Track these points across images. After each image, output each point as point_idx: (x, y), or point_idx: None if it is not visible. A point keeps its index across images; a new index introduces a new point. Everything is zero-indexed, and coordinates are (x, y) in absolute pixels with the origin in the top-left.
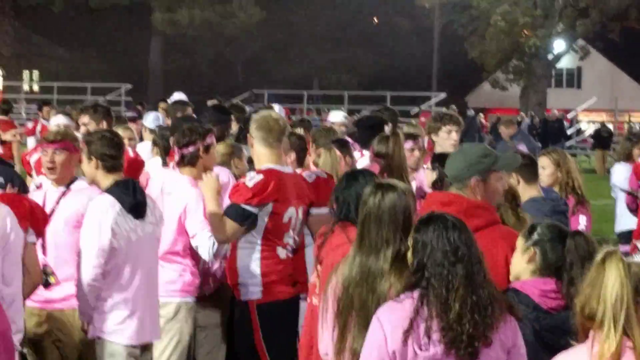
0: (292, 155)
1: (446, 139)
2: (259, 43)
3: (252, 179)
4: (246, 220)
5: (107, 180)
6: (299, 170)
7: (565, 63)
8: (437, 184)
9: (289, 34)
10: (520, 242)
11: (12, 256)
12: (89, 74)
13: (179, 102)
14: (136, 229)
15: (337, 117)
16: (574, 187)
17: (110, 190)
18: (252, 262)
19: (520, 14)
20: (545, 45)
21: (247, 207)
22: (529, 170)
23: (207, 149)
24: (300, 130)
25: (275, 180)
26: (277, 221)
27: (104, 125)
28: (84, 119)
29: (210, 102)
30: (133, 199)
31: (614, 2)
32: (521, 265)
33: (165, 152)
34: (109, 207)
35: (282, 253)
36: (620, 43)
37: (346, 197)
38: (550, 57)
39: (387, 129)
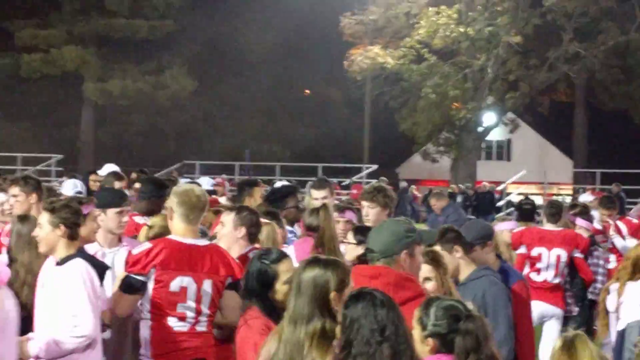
0: (242, 230)
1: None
2: (191, 113)
3: (139, 247)
4: (131, 289)
5: (69, 248)
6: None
7: (495, 135)
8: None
9: (221, 105)
10: (417, 327)
11: (9, 336)
12: (19, 143)
13: (112, 174)
14: (101, 293)
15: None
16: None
17: (81, 256)
18: (146, 331)
19: (450, 87)
20: (475, 118)
21: (132, 275)
22: (464, 241)
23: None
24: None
25: (163, 248)
26: (163, 289)
27: (34, 197)
28: (14, 190)
29: (134, 175)
30: (101, 265)
31: (542, 76)
32: (424, 353)
33: None
34: (89, 269)
35: (176, 325)
36: (549, 116)
37: (248, 276)
38: (480, 129)
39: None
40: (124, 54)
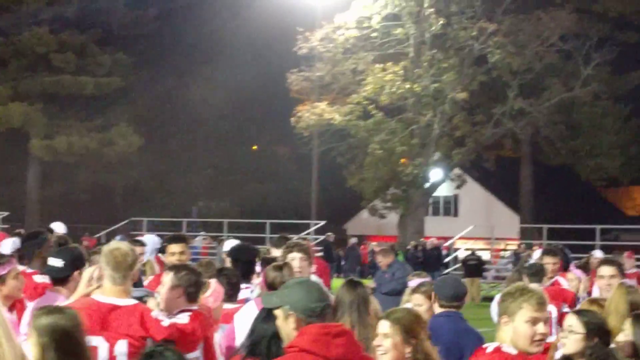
0: (180, 291)
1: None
2: (138, 170)
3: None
4: None
5: None
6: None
7: (442, 191)
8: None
9: (169, 161)
10: None
11: None
12: None
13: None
14: None
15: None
16: None
17: None
18: None
19: (397, 143)
20: (422, 174)
21: None
22: None
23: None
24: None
25: (79, 307)
26: None
27: None
28: None
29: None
30: None
31: (488, 132)
32: None
33: None
34: None
35: None
36: (495, 172)
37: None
38: (427, 185)
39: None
40: (71, 111)
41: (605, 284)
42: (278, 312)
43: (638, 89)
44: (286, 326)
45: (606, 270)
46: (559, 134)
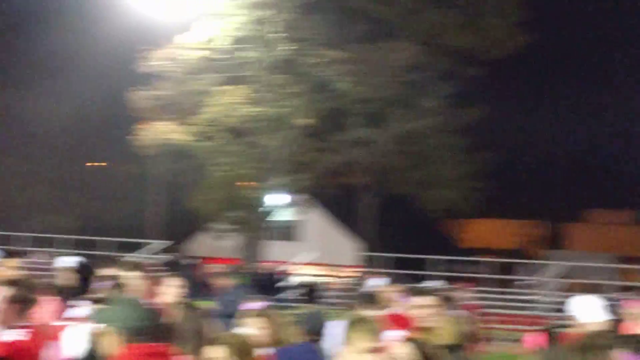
0: (13, 306)
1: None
2: None
3: None
4: None
5: None
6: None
7: (284, 216)
8: None
9: (6, 175)
10: None
11: None
12: None
13: None
14: None
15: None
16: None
17: None
18: None
19: (240, 166)
20: (264, 198)
21: None
22: None
23: None
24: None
25: None
26: None
27: None
28: None
29: None
30: None
31: (331, 159)
32: None
33: None
34: None
35: None
36: (338, 199)
37: None
38: (268, 209)
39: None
40: None
41: (424, 313)
42: (103, 330)
43: (479, 123)
44: (109, 344)
45: (423, 300)
46: (401, 164)
